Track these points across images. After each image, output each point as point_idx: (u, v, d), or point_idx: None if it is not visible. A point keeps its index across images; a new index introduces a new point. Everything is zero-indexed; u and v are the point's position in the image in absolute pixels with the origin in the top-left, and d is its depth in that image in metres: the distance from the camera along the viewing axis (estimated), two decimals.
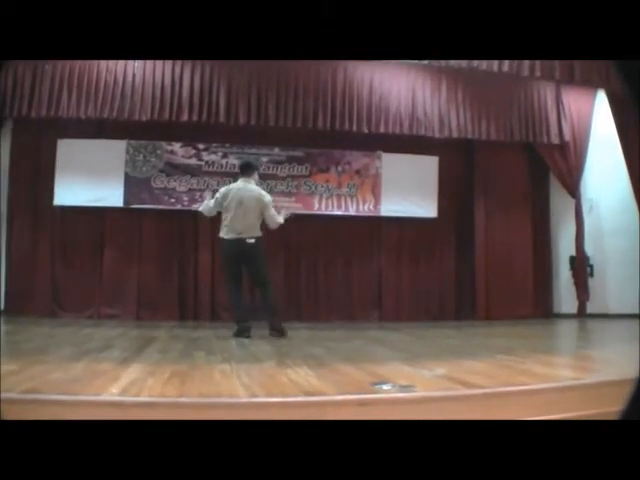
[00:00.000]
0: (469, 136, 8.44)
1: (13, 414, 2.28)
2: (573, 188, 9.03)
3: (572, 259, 9.15)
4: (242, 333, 5.72)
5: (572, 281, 9.10)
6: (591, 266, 9.14)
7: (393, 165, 8.58)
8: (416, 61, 7.02)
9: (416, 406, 3.00)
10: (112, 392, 2.98)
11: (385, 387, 3.21)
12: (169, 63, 7.57)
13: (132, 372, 3.59)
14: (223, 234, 5.93)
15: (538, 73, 6.89)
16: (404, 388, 3.19)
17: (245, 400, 2.92)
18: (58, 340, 5.41)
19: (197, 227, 8.12)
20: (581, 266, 9.04)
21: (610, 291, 9.05)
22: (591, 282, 9.08)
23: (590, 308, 8.95)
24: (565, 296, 9.13)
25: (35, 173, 7.91)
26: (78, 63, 7.40)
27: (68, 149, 7.85)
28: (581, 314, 8.91)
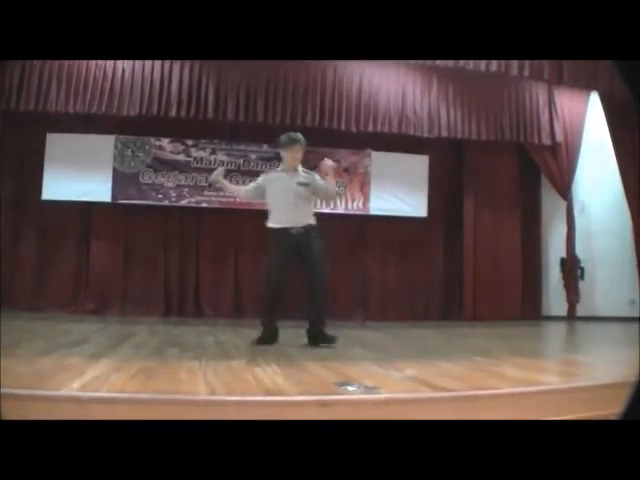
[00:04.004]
0: (459, 135, 8.41)
1: None
2: (564, 190, 9.01)
3: (563, 261, 9.12)
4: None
5: (562, 283, 9.08)
6: (582, 268, 9.11)
7: (383, 163, 8.57)
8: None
9: (378, 408, 2.96)
10: (72, 387, 2.96)
11: (350, 388, 3.18)
12: None
13: (98, 368, 3.56)
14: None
15: (527, 73, 6.85)
16: (369, 389, 3.15)
17: (202, 398, 2.88)
18: (34, 334, 5.37)
19: (183, 223, 8.12)
20: (571, 268, 9.01)
21: (599, 294, 9.02)
22: (581, 284, 9.05)
23: (579, 311, 8.92)
24: (555, 298, 9.11)
25: (23, 167, 7.91)
26: None
27: (57, 143, 7.86)
28: (571, 316, 8.88)
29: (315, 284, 5.14)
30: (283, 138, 5.27)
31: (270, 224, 5.17)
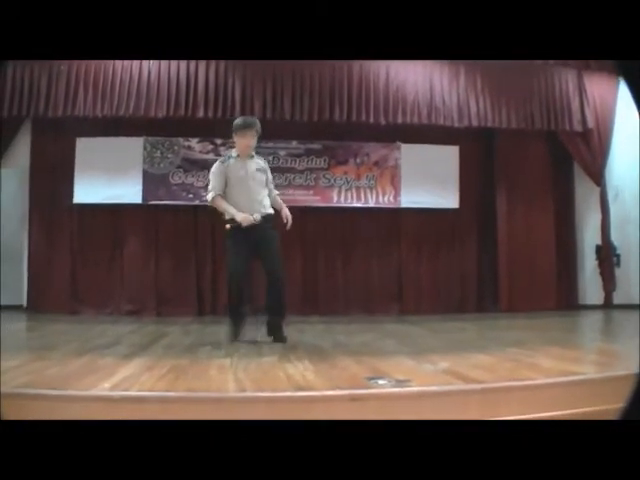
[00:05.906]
0: (489, 124, 8.24)
1: None
2: (598, 176, 8.81)
3: (598, 248, 8.93)
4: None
5: (598, 271, 8.90)
6: (618, 256, 8.92)
7: (413, 156, 8.47)
8: None
9: (409, 402, 2.94)
10: (103, 387, 2.97)
11: (381, 382, 3.15)
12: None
13: (130, 368, 3.59)
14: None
15: (551, 60, 6.70)
16: (400, 383, 3.12)
17: (232, 395, 2.89)
18: (69, 336, 5.42)
19: (214, 222, 8.12)
20: (607, 256, 8.83)
21: (636, 281, 8.80)
22: (617, 272, 8.86)
23: (616, 299, 8.74)
24: (591, 287, 8.92)
25: (54, 172, 7.94)
26: (93, 62, 7.42)
27: (86, 147, 7.91)
28: (607, 305, 8.72)
29: (275, 276, 4.95)
30: (237, 122, 5.08)
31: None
